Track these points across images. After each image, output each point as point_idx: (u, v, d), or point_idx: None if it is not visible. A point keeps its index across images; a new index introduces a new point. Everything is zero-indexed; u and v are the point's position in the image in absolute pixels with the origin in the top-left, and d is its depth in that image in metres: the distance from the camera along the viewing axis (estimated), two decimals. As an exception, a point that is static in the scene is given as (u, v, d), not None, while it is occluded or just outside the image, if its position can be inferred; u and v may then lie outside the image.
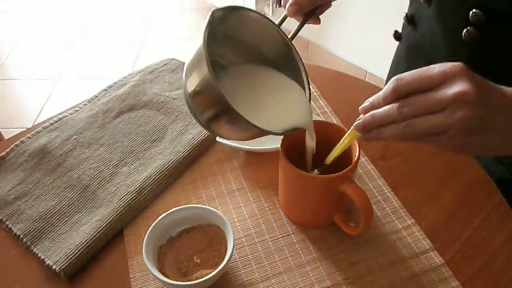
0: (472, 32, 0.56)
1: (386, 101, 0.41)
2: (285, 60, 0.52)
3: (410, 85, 0.39)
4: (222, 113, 0.44)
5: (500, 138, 0.40)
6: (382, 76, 1.83)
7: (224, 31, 0.48)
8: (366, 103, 0.43)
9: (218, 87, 0.41)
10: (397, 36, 0.77)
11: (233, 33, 0.50)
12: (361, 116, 0.43)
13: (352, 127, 0.44)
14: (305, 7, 0.57)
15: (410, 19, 0.71)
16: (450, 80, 0.38)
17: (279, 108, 0.50)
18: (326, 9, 0.61)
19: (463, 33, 0.57)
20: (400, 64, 0.78)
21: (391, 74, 0.82)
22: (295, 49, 0.51)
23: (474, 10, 0.55)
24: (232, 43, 0.51)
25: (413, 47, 0.72)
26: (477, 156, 0.64)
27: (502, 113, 0.39)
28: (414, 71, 0.40)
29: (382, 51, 1.19)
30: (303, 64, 0.51)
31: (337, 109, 0.72)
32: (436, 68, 0.39)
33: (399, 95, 0.40)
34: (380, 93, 0.41)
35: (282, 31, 0.51)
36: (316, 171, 0.53)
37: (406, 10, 0.73)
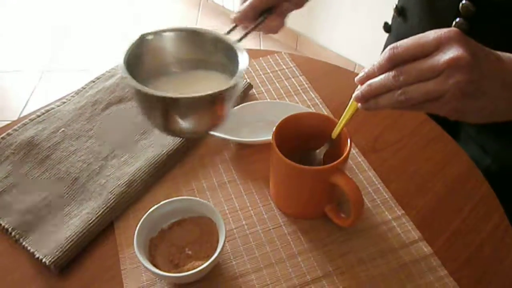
0: (462, 24, 0.56)
1: (382, 70, 0.41)
2: (228, 59, 0.52)
3: (405, 52, 0.39)
4: (152, 105, 0.47)
5: (495, 102, 0.40)
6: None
7: (152, 50, 0.52)
8: (362, 73, 0.43)
9: (132, 79, 0.44)
10: (387, 28, 0.77)
11: (163, 51, 0.53)
12: (359, 86, 0.43)
13: (352, 98, 0.44)
14: (249, 14, 0.56)
15: (400, 11, 0.71)
16: (444, 45, 0.38)
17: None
18: (291, 10, 0.60)
19: (452, 25, 0.57)
20: None
21: None
22: (236, 47, 0.50)
23: (464, 1, 0.55)
24: (166, 59, 0.54)
25: (402, 39, 0.73)
26: (463, 148, 0.64)
27: (497, 78, 0.39)
28: (409, 38, 0.40)
29: (371, 43, 1.19)
30: (239, 55, 0.50)
31: (327, 101, 0.72)
32: (431, 35, 0.39)
33: (395, 63, 0.40)
34: (376, 62, 0.41)
35: (219, 34, 0.52)
36: (323, 147, 0.53)
37: (395, 2, 0.73)
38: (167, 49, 0.54)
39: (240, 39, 0.53)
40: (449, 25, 0.58)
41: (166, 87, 0.52)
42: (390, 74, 0.40)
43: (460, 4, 0.56)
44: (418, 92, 0.39)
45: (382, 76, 0.41)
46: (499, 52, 0.41)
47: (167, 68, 0.54)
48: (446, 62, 0.37)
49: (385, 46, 0.81)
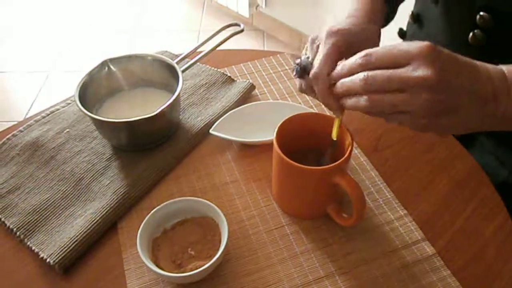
0: (479, 35, 0.55)
1: (351, 72, 0.41)
2: (169, 76, 0.66)
3: (378, 62, 0.40)
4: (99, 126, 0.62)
5: (466, 116, 0.40)
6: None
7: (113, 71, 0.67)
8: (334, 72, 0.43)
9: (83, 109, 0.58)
10: (401, 34, 0.75)
11: (117, 73, 0.68)
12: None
13: None
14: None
15: (416, 18, 0.69)
16: (415, 61, 0.38)
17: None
18: None
19: (469, 36, 0.56)
20: None
21: None
22: (178, 70, 0.63)
23: (481, 13, 0.53)
24: (123, 78, 0.69)
25: None
26: (479, 159, 0.63)
27: (468, 93, 0.39)
28: (383, 47, 0.40)
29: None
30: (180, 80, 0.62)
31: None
32: (404, 47, 0.39)
33: (366, 70, 0.40)
34: (347, 63, 0.41)
35: (160, 57, 0.67)
36: (329, 150, 0.53)
37: (411, 8, 0.71)
38: (121, 71, 0.67)
39: (185, 69, 0.66)
40: (466, 36, 0.56)
41: (118, 103, 0.67)
42: (360, 76, 0.40)
43: (477, 15, 0.54)
44: (383, 102, 0.40)
45: (351, 78, 0.41)
46: (473, 62, 0.40)
47: (121, 87, 0.68)
48: (414, 80, 0.38)
49: None
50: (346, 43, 0.47)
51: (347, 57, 0.46)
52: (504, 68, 0.42)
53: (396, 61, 0.39)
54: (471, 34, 0.56)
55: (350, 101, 0.42)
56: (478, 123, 0.42)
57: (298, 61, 0.49)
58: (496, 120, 0.41)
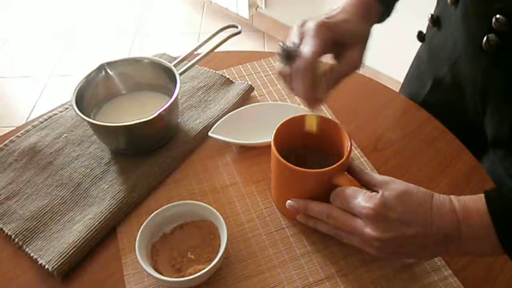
0: (493, 39, 0.54)
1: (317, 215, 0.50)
2: (167, 79, 0.65)
3: (341, 204, 0.48)
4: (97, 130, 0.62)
5: (416, 256, 0.48)
6: (376, 68, 1.83)
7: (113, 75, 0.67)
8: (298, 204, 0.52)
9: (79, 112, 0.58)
10: (421, 37, 0.74)
11: (123, 76, 0.68)
12: (295, 200, 0.52)
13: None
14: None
15: (435, 21, 0.68)
16: (364, 220, 0.45)
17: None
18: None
19: (483, 40, 0.55)
20: (420, 65, 0.76)
21: (410, 74, 0.81)
22: (176, 73, 0.63)
23: (497, 16, 0.52)
24: (123, 82, 0.68)
25: (435, 50, 0.70)
26: (490, 168, 0.63)
27: (409, 242, 0.44)
28: (346, 194, 0.47)
29: (376, 43, 1.18)
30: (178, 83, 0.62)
31: (330, 102, 0.72)
32: (358, 202, 0.45)
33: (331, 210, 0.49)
34: (315, 209, 0.50)
35: (158, 60, 0.67)
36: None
37: (432, 11, 0.70)
38: (118, 75, 0.67)
39: (183, 72, 0.65)
40: (480, 40, 0.56)
41: (116, 107, 0.66)
42: (325, 212, 0.49)
43: (493, 19, 0.53)
44: (345, 240, 0.49)
45: (320, 210, 0.49)
46: (441, 208, 0.44)
47: (118, 91, 0.68)
48: (363, 234, 0.45)
49: (417, 55, 0.78)
50: (334, 38, 0.49)
51: (331, 52, 0.50)
52: (458, 210, 0.44)
53: (351, 211, 0.46)
54: (485, 38, 0.55)
55: (320, 225, 0.51)
56: (430, 257, 0.51)
57: (284, 45, 0.48)
58: (452, 254, 0.47)
